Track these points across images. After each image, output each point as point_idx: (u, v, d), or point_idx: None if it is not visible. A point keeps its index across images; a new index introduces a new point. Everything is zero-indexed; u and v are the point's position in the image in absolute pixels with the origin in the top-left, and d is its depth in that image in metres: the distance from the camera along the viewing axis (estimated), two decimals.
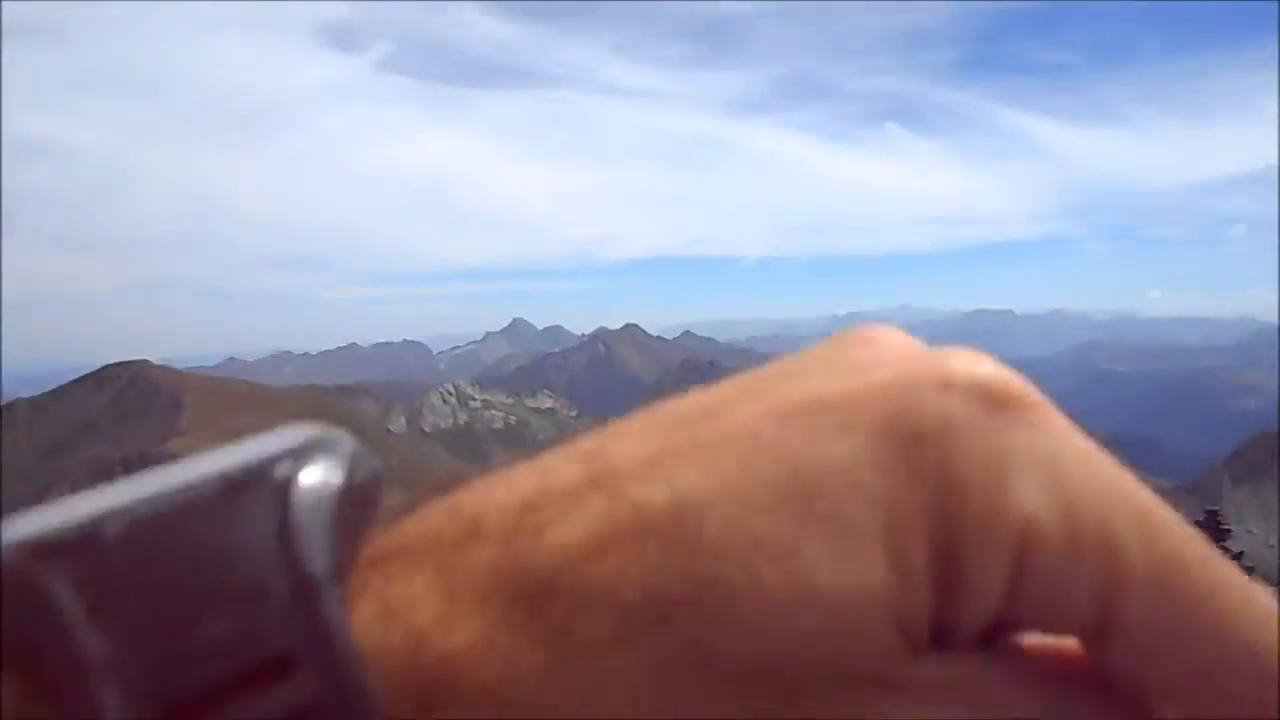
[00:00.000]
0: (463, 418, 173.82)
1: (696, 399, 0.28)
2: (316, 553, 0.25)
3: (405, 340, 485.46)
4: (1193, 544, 0.25)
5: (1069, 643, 0.26)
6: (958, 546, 0.24)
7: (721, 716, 0.23)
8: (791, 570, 0.23)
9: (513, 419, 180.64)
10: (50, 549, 0.23)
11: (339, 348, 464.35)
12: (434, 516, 0.27)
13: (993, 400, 0.25)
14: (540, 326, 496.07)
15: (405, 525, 0.27)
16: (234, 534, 0.24)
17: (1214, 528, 11.38)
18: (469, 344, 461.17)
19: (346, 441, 0.27)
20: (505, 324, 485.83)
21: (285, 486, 0.25)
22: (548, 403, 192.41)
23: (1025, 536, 0.24)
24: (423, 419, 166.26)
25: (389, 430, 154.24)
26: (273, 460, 0.25)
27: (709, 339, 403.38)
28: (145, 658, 0.22)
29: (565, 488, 0.25)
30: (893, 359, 0.27)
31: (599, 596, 0.23)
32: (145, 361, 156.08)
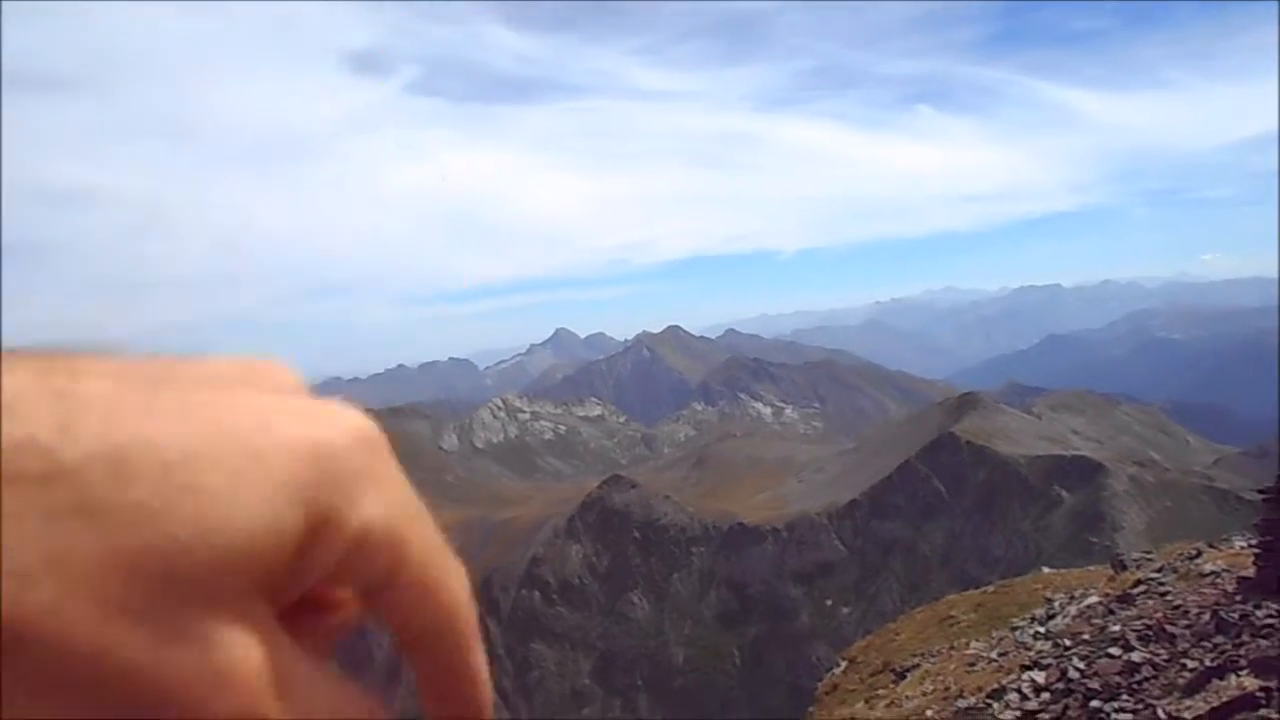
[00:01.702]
0: (513, 431, 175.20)
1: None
2: None
3: (451, 358, 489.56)
4: (439, 550, 0.44)
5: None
6: (317, 543, 0.44)
7: (153, 608, 0.44)
8: (234, 522, 0.43)
9: (563, 428, 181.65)
10: None
11: (387, 370, 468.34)
12: None
13: (371, 443, 0.44)
14: (583, 335, 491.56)
15: None
16: None
17: None
18: (514, 357, 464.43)
19: None
20: (548, 335, 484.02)
21: None
22: (596, 410, 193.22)
23: (358, 536, 0.44)
24: (474, 435, 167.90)
25: (442, 448, 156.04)
26: None
27: (754, 335, 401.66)
28: None
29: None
30: (293, 410, 0.44)
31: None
32: None
